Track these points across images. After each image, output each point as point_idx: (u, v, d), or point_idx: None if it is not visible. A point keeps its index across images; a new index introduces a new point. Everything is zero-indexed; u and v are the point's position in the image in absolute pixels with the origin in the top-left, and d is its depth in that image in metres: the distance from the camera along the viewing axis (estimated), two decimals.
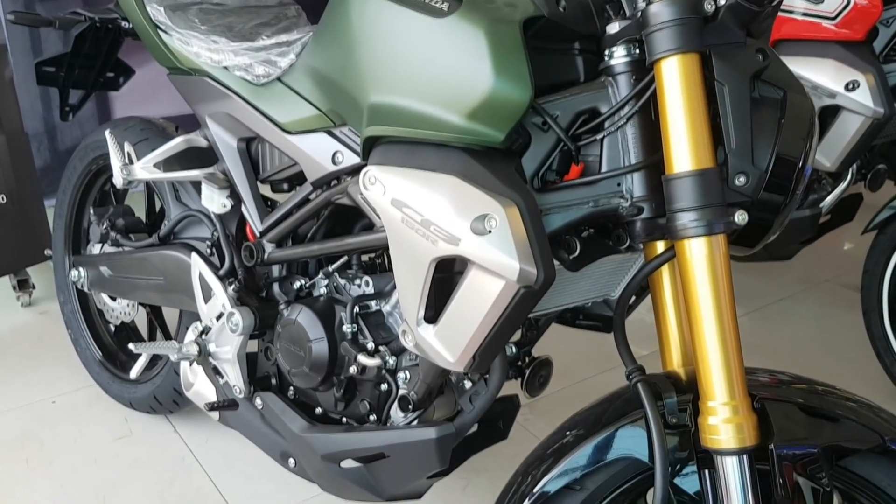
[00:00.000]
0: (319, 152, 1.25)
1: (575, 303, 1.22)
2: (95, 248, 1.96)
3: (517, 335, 1.32)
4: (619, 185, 1.00)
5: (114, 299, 2.01)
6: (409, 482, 1.29)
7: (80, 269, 1.93)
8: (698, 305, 0.92)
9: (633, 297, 1.24)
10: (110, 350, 2.14)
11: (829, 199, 2.19)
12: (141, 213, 1.98)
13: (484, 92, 0.96)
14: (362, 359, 1.25)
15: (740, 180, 0.93)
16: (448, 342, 1.03)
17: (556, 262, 1.03)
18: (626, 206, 1.00)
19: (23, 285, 2.66)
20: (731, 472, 0.91)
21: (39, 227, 2.55)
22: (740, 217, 0.91)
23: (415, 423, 1.27)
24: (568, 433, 1.06)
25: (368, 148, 1.11)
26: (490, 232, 0.93)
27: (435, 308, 1.05)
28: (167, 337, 2.00)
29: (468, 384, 1.25)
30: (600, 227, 1.11)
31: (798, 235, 2.29)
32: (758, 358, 2.32)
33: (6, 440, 1.98)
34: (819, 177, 2.21)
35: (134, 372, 1.79)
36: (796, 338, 2.50)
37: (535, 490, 1.01)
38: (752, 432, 0.91)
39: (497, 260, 0.93)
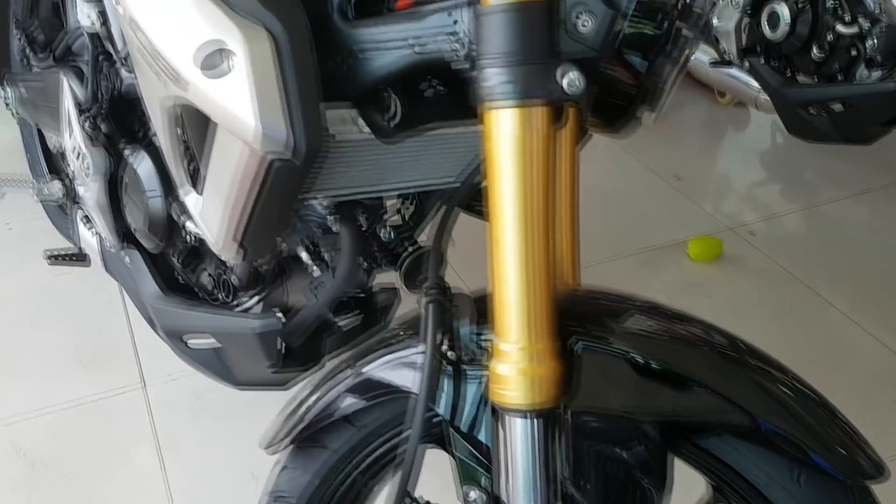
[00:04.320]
0: None
1: (427, 184, 0.92)
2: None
3: (395, 218, 1.06)
4: (454, 21, 0.70)
5: None
6: (253, 372, 1.09)
7: (8, 88, 1.75)
8: (500, 204, 0.63)
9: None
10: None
11: None
12: None
13: None
14: (191, 226, 1.02)
15: (585, 25, 0.62)
16: (209, 222, 0.78)
17: (367, 130, 0.76)
18: (462, 52, 0.70)
19: None
20: (520, 434, 0.65)
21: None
22: (572, 80, 0.61)
23: (256, 307, 1.05)
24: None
25: None
26: (230, 72, 0.66)
27: None
28: None
29: (317, 271, 1.01)
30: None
31: (879, 114, 1.87)
32: (814, 267, 1.94)
33: None
34: None
35: None
36: (878, 240, 2.09)
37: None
38: (552, 389, 0.64)
39: (231, 115, 0.66)
